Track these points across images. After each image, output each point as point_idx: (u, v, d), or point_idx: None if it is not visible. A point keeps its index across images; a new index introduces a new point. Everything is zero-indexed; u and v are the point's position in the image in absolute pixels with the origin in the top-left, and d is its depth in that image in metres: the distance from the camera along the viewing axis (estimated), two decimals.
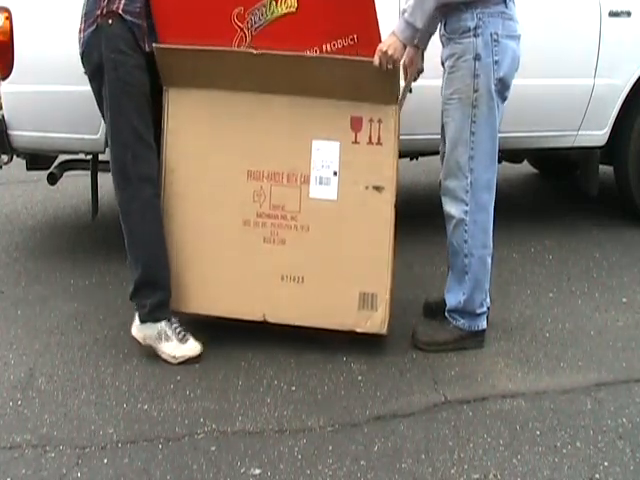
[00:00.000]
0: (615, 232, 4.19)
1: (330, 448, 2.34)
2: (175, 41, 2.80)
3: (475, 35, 2.69)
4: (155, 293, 2.85)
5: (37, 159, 3.96)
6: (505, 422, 2.45)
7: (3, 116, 3.63)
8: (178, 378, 2.74)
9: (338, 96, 2.81)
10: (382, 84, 2.75)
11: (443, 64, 2.85)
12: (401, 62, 2.82)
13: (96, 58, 2.78)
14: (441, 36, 2.85)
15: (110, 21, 2.74)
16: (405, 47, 2.74)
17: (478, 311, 2.89)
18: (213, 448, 2.35)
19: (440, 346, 2.89)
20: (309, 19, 2.81)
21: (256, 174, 2.88)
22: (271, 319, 2.90)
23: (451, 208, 2.83)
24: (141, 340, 2.89)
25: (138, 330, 2.89)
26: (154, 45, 2.78)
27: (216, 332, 3.04)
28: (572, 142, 4.09)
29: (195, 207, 2.92)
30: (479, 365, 2.80)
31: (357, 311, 2.85)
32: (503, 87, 2.76)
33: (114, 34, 2.75)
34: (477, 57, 2.69)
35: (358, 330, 2.86)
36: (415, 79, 3.03)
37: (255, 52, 2.78)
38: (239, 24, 2.80)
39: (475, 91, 2.72)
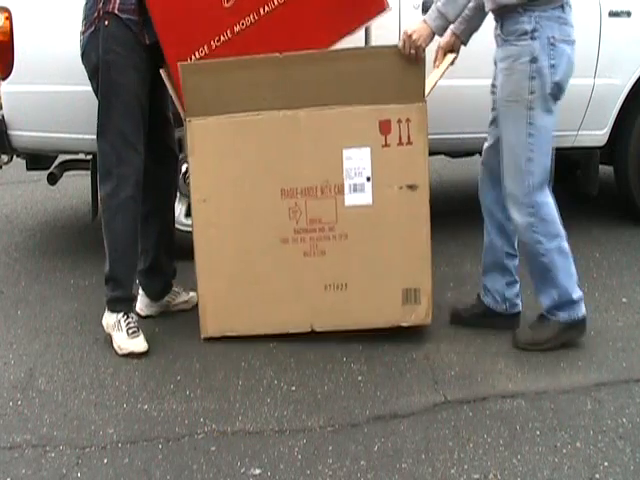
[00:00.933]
0: (615, 232, 4.19)
1: (330, 448, 2.34)
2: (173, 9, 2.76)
3: (532, 38, 2.67)
4: (115, 289, 2.95)
5: (37, 159, 3.96)
6: (505, 422, 2.45)
7: (3, 116, 3.63)
8: (178, 378, 2.74)
9: (364, 99, 2.80)
10: (406, 76, 2.76)
11: (496, 64, 2.85)
12: (437, 46, 2.91)
13: (94, 59, 2.84)
14: (496, 36, 2.83)
15: (107, 22, 2.79)
16: (433, 36, 2.75)
17: (575, 297, 2.86)
18: (213, 448, 2.35)
19: (543, 345, 2.87)
20: None
21: (290, 192, 2.87)
22: (319, 328, 2.94)
23: (515, 214, 2.82)
24: (105, 327, 2.98)
25: (104, 317, 3.00)
26: (179, 64, 2.77)
27: None
28: (572, 142, 4.09)
29: (232, 234, 2.91)
30: (479, 365, 2.80)
31: (402, 307, 2.92)
32: (559, 91, 2.76)
33: (110, 35, 2.80)
34: (534, 60, 2.68)
35: (404, 324, 2.93)
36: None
37: (280, 55, 2.77)
38: None
39: (531, 93, 2.70)
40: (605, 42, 3.95)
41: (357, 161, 2.84)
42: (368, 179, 2.86)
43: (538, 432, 2.40)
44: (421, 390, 2.64)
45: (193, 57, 2.84)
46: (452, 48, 2.99)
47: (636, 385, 2.66)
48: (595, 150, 4.13)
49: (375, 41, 3.69)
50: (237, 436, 2.41)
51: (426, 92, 2.83)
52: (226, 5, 2.82)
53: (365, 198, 2.87)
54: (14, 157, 3.90)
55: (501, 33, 2.78)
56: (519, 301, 3.03)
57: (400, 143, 2.83)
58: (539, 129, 2.74)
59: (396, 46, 2.76)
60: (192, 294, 3.28)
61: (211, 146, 2.86)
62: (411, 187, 2.85)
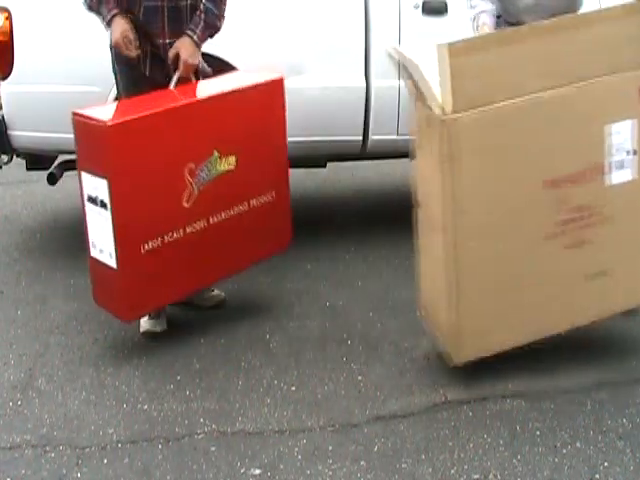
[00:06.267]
0: None
1: (330, 448, 2.34)
2: (132, 202, 2.71)
3: None
4: None
5: (37, 159, 3.95)
6: (505, 422, 2.45)
7: (3, 116, 3.63)
8: (178, 378, 2.74)
9: (623, 65, 2.54)
10: None
11: None
12: None
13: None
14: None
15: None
16: None
17: None
18: (213, 448, 2.35)
19: None
20: (242, 177, 2.96)
21: (552, 182, 2.57)
22: (577, 324, 2.72)
23: None
24: None
25: None
26: (438, 45, 2.43)
27: (216, 332, 3.05)
28: None
29: (492, 243, 2.58)
30: (479, 365, 2.80)
31: None
32: None
33: (116, 55, 2.94)
34: None
35: None
36: None
37: (546, 23, 2.56)
38: (190, 179, 2.82)
39: None
40: None
41: (620, 136, 2.60)
42: (629, 153, 2.61)
43: (538, 432, 2.40)
44: (421, 390, 2.64)
45: (146, 246, 2.75)
46: None
47: (636, 385, 2.66)
48: None
49: (375, 41, 3.71)
50: (237, 436, 2.41)
51: None
52: (185, 205, 2.83)
53: (628, 174, 2.62)
54: (14, 157, 3.90)
55: None
56: None
57: None
58: None
59: None
60: (215, 293, 3.28)
61: (477, 146, 2.50)
62: None
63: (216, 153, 2.89)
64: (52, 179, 3.84)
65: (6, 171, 4.19)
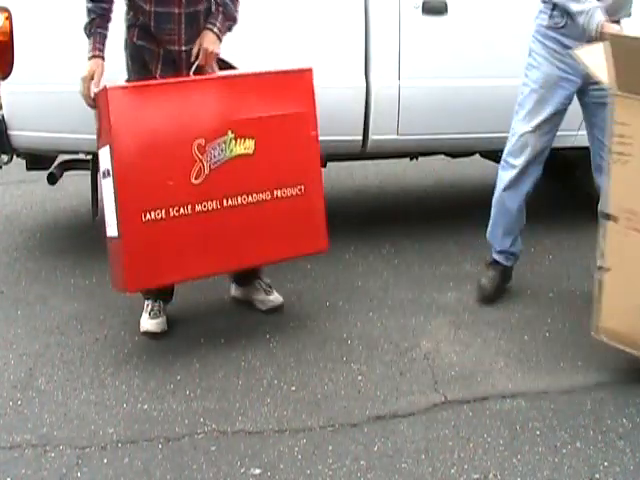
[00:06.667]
0: None
1: (330, 448, 2.34)
2: (133, 167, 2.74)
3: None
4: None
5: (37, 159, 3.96)
6: (505, 422, 2.45)
7: (3, 116, 3.63)
8: (178, 378, 2.74)
9: None
10: None
11: None
12: None
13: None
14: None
15: (127, 43, 2.95)
16: None
17: None
18: (213, 448, 2.35)
19: None
20: (263, 164, 2.92)
21: None
22: None
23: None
24: None
25: None
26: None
27: (216, 332, 3.05)
28: (572, 142, 4.08)
29: None
30: (479, 365, 2.80)
31: None
32: None
33: (130, 55, 2.97)
34: None
35: None
36: None
37: None
38: (199, 155, 2.81)
39: None
40: None
41: None
42: None
43: (538, 432, 2.40)
44: (421, 390, 2.64)
45: (147, 215, 2.74)
46: None
47: (636, 385, 2.66)
48: None
49: (375, 41, 3.71)
50: (237, 436, 2.41)
51: None
52: (194, 182, 2.81)
53: None
54: (14, 157, 3.90)
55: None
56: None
57: None
58: None
59: None
60: (273, 297, 3.23)
61: None
62: None
63: (231, 134, 2.86)
64: (52, 179, 3.85)
65: (6, 171, 4.20)
